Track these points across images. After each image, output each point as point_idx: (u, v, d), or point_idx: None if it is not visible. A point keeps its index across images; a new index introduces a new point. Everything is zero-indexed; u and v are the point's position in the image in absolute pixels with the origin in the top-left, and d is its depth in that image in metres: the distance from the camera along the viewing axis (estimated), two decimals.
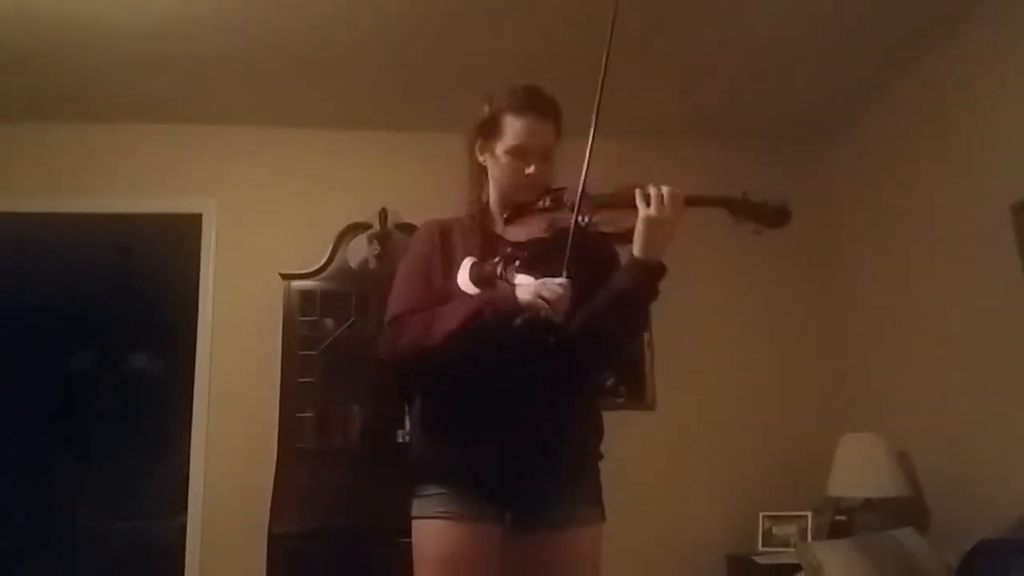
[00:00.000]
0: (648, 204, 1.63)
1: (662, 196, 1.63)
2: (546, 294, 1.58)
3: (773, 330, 4.23)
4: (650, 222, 1.63)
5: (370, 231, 3.89)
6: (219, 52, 3.45)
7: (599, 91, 1.69)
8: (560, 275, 1.60)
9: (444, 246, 1.85)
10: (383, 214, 3.89)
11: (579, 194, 1.66)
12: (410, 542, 1.75)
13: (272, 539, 3.29)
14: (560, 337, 1.63)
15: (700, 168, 4.27)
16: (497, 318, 1.62)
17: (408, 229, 3.86)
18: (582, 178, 1.66)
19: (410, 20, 3.26)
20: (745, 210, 1.70)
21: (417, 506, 1.75)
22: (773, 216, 1.70)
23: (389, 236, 3.88)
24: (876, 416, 3.77)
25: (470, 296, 1.70)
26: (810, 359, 4.20)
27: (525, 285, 1.63)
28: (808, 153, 4.39)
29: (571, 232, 1.63)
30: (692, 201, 1.69)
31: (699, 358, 4.14)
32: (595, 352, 1.75)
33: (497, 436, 1.69)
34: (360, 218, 3.89)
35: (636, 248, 1.65)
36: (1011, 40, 3.04)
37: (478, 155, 1.89)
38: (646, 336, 4.11)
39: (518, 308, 1.60)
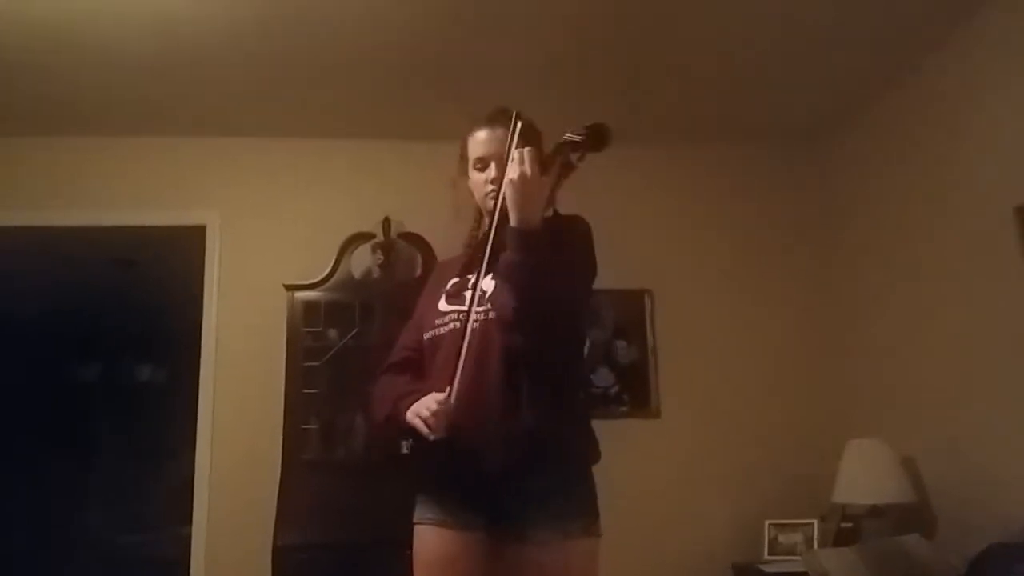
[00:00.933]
0: (507, 174, 1.66)
1: (512, 158, 1.66)
2: (424, 414, 1.68)
3: (776, 336, 4.22)
4: (508, 188, 1.65)
5: (373, 241, 3.89)
6: (222, 64, 3.46)
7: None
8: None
9: (439, 278, 1.99)
10: (386, 224, 3.89)
11: (498, 189, 1.75)
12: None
13: (277, 551, 3.29)
14: (414, 449, 1.72)
15: (703, 170, 4.29)
16: (398, 431, 1.76)
17: (411, 239, 3.87)
18: (500, 180, 1.74)
19: (413, 30, 3.26)
20: (561, 150, 1.68)
21: (416, 511, 1.84)
22: (586, 142, 1.67)
23: (392, 246, 3.88)
24: (881, 422, 3.75)
25: (391, 394, 1.84)
26: (814, 365, 4.19)
27: (415, 403, 1.73)
28: (811, 155, 4.38)
29: (491, 227, 1.73)
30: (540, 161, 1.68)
31: (703, 366, 4.13)
32: (519, 335, 1.70)
33: (470, 449, 1.71)
34: (363, 228, 3.89)
35: (511, 217, 1.66)
36: (1015, 40, 3.03)
37: (466, 188, 1.97)
38: (650, 344, 4.11)
39: (403, 425, 1.73)
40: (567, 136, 1.67)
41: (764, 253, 4.30)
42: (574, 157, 1.68)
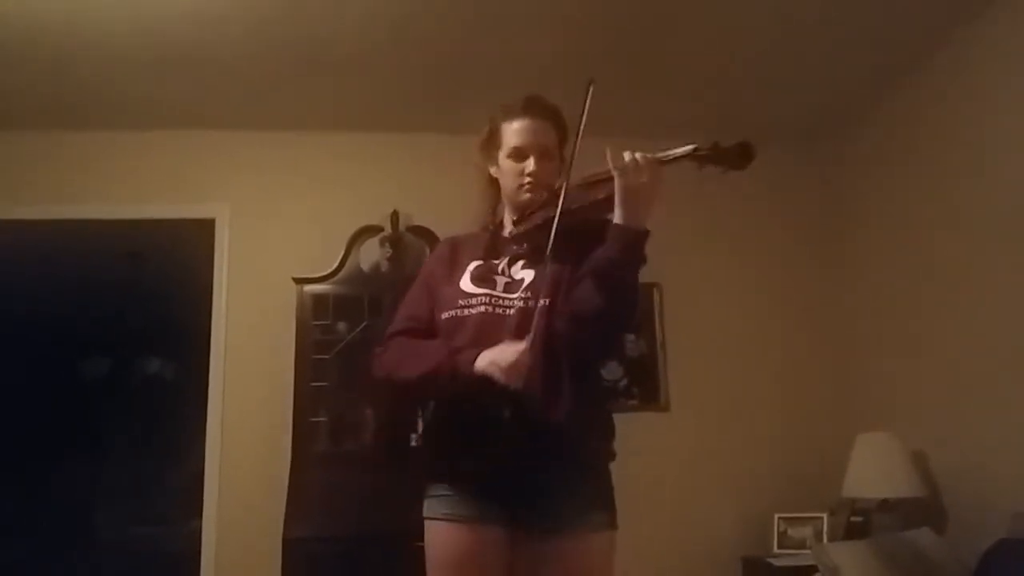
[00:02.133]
0: (623, 173, 1.62)
1: (635, 161, 1.62)
2: (501, 362, 1.61)
3: (786, 330, 4.21)
4: (626, 190, 1.63)
5: (382, 234, 3.89)
6: (231, 57, 3.46)
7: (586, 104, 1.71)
8: (555, 265, 1.68)
9: (453, 256, 1.92)
10: (395, 217, 3.90)
11: (563, 182, 1.72)
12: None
13: (287, 544, 3.30)
14: (516, 412, 1.63)
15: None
16: (451, 380, 1.68)
17: (420, 232, 3.87)
18: (568, 170, 1.72)
19: (421, 22, 3.26)
20: (706, 157, 1.67)
21: (427, 506, 1.78)
22: (735, 157, 1.67)
23: (401, 239, 3.88)
24: (891, 416, 3.74)
25: (437, 344, 1.77)
26: (824, 359, 4.18)
27: (486, 352, 1.65)
28: (821, 151, 4.37)
29: (555, 218, 1.68)
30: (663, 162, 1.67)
31: (712, 359, 4.13)
32: (590, 332, 1.70)
33: (500, 442, 1.68)
34: (372, 221, 3.89)
35: (617, 215, 1.65)
36: (1020, 39, 3.01)
37: (489, 170, 1.94)
38: (659, 338, 4.11)
39: (471, 374, 1.64)
40: (702, 151, 1.66)
41: (772, 248, 4.29)
42: (717, 170, 1.68)
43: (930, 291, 3.59)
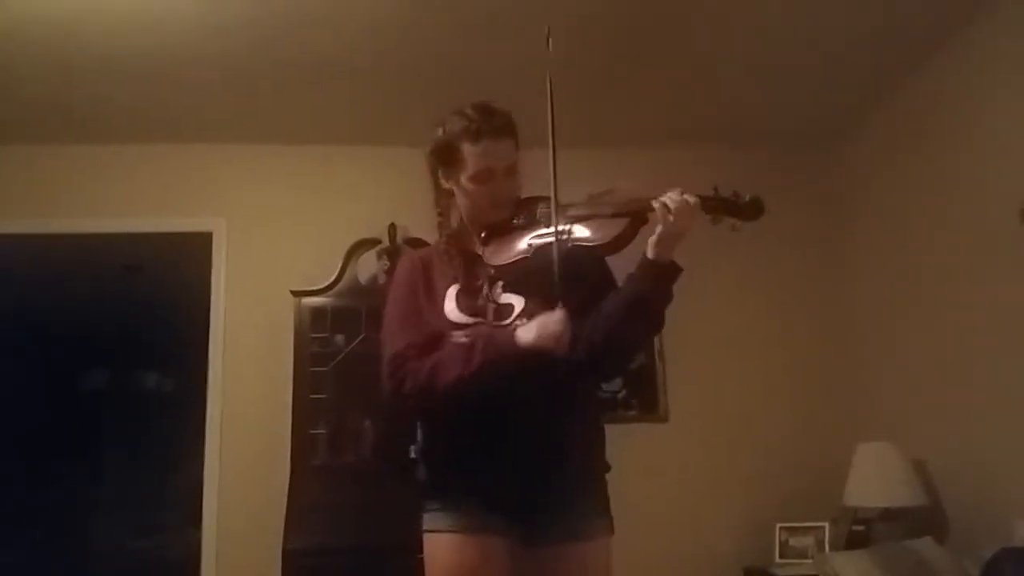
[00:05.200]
0: (675, 214, 1.64)
1: (686, 203, 1.65)
2: (549, 332, 1.62)
3: (785, 339, 4.20)
4: (671, 228, 1.65)
5: (379, 247, 3.90)
6: (228, 70, 3.47)
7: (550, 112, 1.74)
8: (545, 294, 1.66)
9: (426, 278, 1.87)
10: (392, 229, 3.90)
11: (553, 208, 1.71)
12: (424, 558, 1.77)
13: (287, 556, 3.29)
14: (567, 371, 1.67)
15: (711, 172, 4.26)
16: (501, 363, 1.66)
17: (417, 244, 3.86)
18: (553, 195, 1.71)
19: (416, 35, 3.27)
20: (719, 207, 1.70)
21: (427, 520, 1.76)
22: (748, 210, 1.70)
23: (398, 251, 3.87)
24: (891, 425, 3.73)
25: (468, 340, 1.72)
26: (823, 368, 4.17)
27: (526, 326, 1.66)
28: (817, 156, 4.37)
29: (555, 249, 1.68)
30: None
31: (711, 369, 4.12)
32: (611, 362, 1.76)
33: (500, 454, 1.70)
34: (369, 234, 3.90)
35: (651, 252, 1.67)
36: (1020, 38, 3.02)
37: (442, 181, 1.89)
38: (657, 347, 4.10)
39: (519, 350, 1.64)
40: (726, 196, 1.70)
41: (771, 255, 4.28)
42: (728, 221, 1.71)
43: (928, 298, 3.58)
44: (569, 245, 1.71)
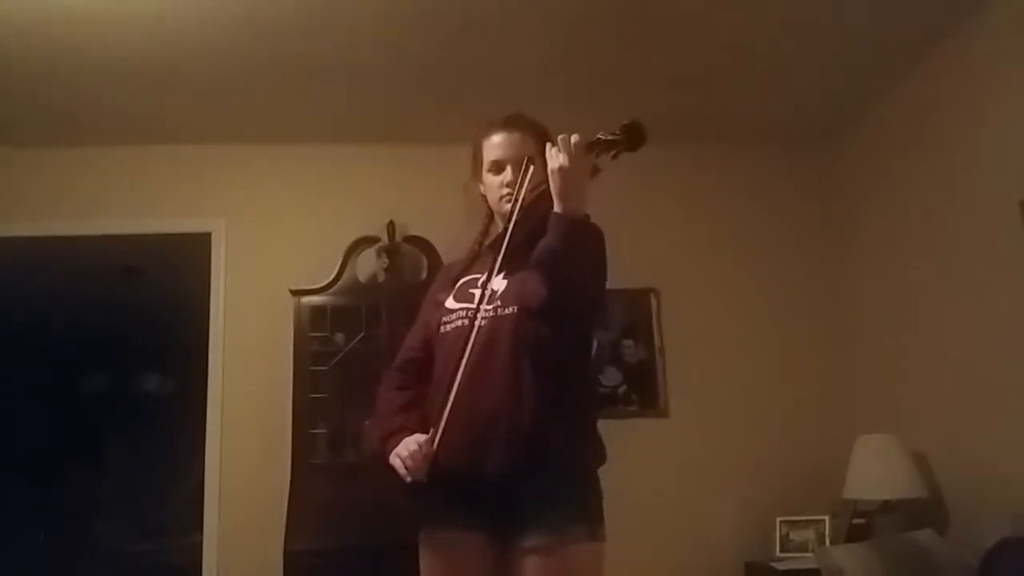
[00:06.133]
0: (549, 160, 1.65)
1: (564, 141, 1.63)
2: (403, 454, 1.70)
3: (785, 333, 4.21)
4: (551, 174, 1.65)
5: (378, 244, 3.90)
6: (224, 71, 3.47)
7: None
8: (523, 268, 1.72)
9: (449, 278, 1.98)
10: (391, 227, 3.90)
11: (518, 192, 1.76)
12: None
13: (288, 556, 3.29)
14: (412, 503, 1.76)
15: (710, 169, 4.27)
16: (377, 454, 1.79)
17: (417, 242, 3.88)
18: (521, 181, 1.76)
19: (415, 34, 3.27)
20: (600, 144, 1.67)
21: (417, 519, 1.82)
22: (626, 140, 1.67)
23: (397, 249, 3.89)
24: (891, 417, 3.74)
25: (390, 420, 1.84)
26: (823, 361, 4.18)
27: (399, 447, 1.73)
28: (816, 153, 4.37)
29: (509, 226, 1.74)
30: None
31: (711, 363, 4.12)
32: (555, 319, 1.71)
33: (476, 452, 1.69)
34: (368, 232, 3.90)
35: (556, 205, 1.66)
36: (1018, 35, 3.02)
37: (478, 190, 1.99)
38: (657, 343, 4.10)
39: (383, 455, 1.76)
40: (600, 135, 1.66)
41: (770, 251, 4.28)
42: (609, 156, 1.67)
43: (929, 293, 3.59)
44: (529, 208, 1.75)
